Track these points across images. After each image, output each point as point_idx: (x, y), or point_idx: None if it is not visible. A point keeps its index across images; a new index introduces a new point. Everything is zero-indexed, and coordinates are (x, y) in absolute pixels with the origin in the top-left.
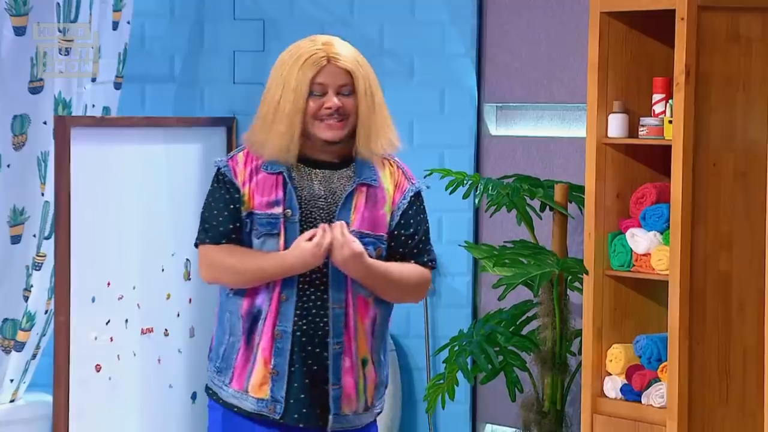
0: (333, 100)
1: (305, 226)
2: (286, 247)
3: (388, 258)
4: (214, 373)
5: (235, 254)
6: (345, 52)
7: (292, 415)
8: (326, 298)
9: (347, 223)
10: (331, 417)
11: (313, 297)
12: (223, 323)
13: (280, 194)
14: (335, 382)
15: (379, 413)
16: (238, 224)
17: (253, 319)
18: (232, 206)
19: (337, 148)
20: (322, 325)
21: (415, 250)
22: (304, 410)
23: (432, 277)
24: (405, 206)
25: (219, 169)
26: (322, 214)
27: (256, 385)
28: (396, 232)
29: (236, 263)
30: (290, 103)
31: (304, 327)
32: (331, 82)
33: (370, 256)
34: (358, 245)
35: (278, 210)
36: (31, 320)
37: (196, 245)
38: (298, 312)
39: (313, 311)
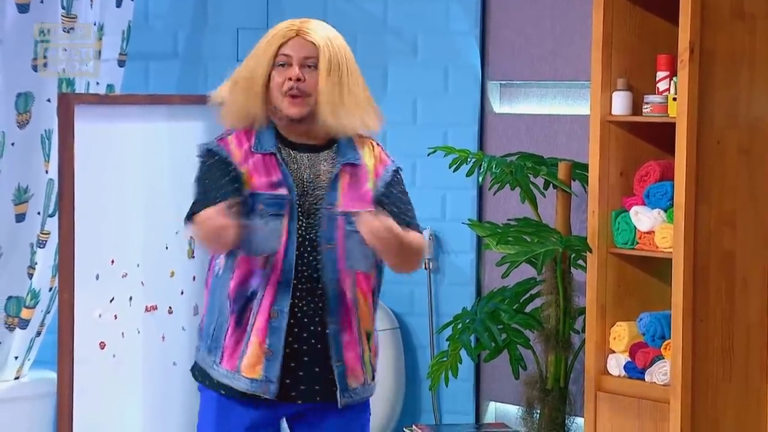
0: (294, 70)
1: (300, 209)
2: (288, 228)
3: None
4: (205, 353)
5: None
6: (317, 28)
7: (289, 393)
8: (319, 277)
9: (333, 205)
10: (338, 393)
11: (314, 277)
12: (212, 303)
13: (279, 175)
14: (338, 359)
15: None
16: (240, 199)
17: (246, 300)
18: (236, 184)
19: (309, 128)
20: (321, 305)
21: (403, 216)
22: (303, 387)
23: (435, 255)
24: (388, 178)
25: (209, 149)
26: (311, 199)
27: (249, 366)
28: (381, 200)
29: (203, 213)
30: (251, 71)
31: (304, 307)
32: (296, 54)
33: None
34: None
35: (283, 191)
36: (36, 298)
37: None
38: (297, 294)
39: (312, 291)
